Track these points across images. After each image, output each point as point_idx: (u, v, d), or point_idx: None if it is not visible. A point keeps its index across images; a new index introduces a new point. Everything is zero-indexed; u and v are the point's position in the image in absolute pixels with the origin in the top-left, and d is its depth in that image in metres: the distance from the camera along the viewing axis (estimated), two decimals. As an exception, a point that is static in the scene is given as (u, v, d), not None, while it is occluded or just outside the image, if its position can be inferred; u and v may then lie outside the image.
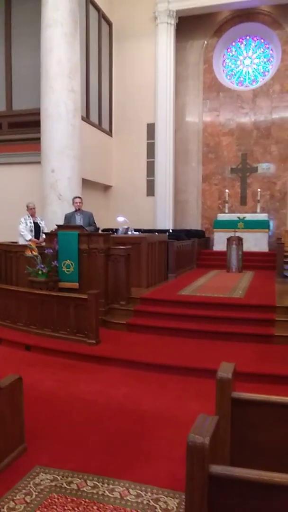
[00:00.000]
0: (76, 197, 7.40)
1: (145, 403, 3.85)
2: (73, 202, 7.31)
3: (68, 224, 6.97)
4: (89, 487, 2.61)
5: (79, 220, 7.09)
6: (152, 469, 2.82)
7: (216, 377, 2.28)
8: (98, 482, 2.66)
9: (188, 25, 12.94)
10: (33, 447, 3.04)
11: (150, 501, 2.48)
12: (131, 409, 3.72)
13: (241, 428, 2.24)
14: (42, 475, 2.73)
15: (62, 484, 2.64)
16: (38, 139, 9.12)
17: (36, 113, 9.30)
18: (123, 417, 3.57)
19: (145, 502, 2.47)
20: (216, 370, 2.31)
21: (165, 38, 12.35)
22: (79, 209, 7.17)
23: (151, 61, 12.50)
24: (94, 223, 7.20)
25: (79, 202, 7.17)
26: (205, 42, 13.35)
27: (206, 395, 3.95)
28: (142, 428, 3.38)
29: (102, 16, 12.07)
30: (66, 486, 2.62)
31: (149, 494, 2.55)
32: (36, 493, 2.54)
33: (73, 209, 7.31)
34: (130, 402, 3.87)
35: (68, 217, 7.26)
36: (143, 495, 2.54)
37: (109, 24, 12.70)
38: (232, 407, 2.22)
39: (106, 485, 2.64)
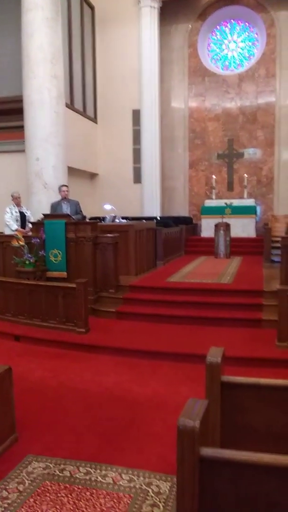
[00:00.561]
0: (62, 185, 7.33)
1: (136, 390, 3.87)
2: (60, 191, 7.23)
3: (54, 213, 6.91)
4: (82, 474, 2.63)
5: (65, 209, 7.02)
6: (144, 454, 2.84)
7: (205, 362, 2.29)
8: (91, 469, 2.68)
9: (172, 9, 12.76)
10: (24, 436, 3.04)
11: (143, 485, 2.51)
12: (122, 396, 3.74)
13: (231, 411, 2.26)
14: (34, 463, 2.74)
15: (54, 471, 2.65)
16: (22, 127, 8.95)
17: (19, 100, 9.10)
18: (114, 404, 3.59)
19: (137, 486, 2.50)
20: (205, 355, 2.32)
21: (149, 21, 12.16)
22: (65, 198, 7.11)
23: (135, 45, 12.31)
24: (81, 211, 7.15)
25: (66, 191, 7.10)
26: (190, 25, 13.18)
27: (196, 380, 3.99)
28: (133, 414, 3.40)
29: (84, 0, 11.81)
30: (59, 473, 2.63)
31: (141, 478, 2.58)
32: (29, 482, 2.54)
33: (59, 198, 7.23)
34: (121, 389, 3.88)
35: (55, 206, 7.19)
36: (135, 479, 2.57)
37: (91, 7, 12.44)
38: (221, 390, 2.24)
39: (98, 471, 2.66)
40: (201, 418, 1.55)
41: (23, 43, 8.64)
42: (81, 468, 2.68)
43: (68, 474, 2.62)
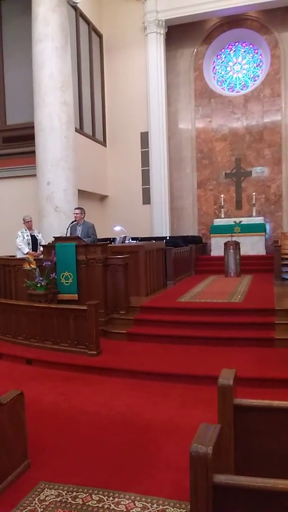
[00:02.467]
0: (75, 209, 7.37)
1: (148, 413, 3.83)
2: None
3: (69, 235, 6.97)
4: (95, 501, 2.59)
5: (79, 231, 7.10)
6: (157, 480, 2.80)
7: (217, 384, 2.28)
8: (104, 496, 2.64)
9: (177, 34, 13.08)
10: (37, 462, 3.02)
11: (157, 512, 2.47)
12: (134, 420, 3.70)
13: (244, 435, 2.23)
14: (47, 490, 2.71)
15: (67, 499, 2.62)
16: (33, 152, 9.17)
17: (30, 126, 9.35)
18: (127, 429, 3.55)
19: (151, 514, 2.46)
20: (217, 376, 2.30)
21: (155, 47, 12.46)
22: (78, 220, 7.14)
23: (142, 70, 12.61)
24: (94, 234, 7.17)
25: (77, 214, 7.15)
26: (195, 49, 13.48)
27: (209, 402, 3.93)
28: (146, 439, 3.36)
29: (92, 29, 12.19)
30: (72, 501, 2.60)
31: (155, 505, 2.53)
32: (41, 510, 2.52)
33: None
34: (133, 413, 3.85)
35: (71, 228, 7.24)
36: (149, 507, 2.52)
37: (99, 36, 12.82)
38: (234, 414, 2.21)
39: (111, 498, 2.62)
40: (214, 444, 1.53)
41: (34, 72, 8.93)
42: (93, 496, 2.65)
43: (81, 502, 2.59)
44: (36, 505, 2.56)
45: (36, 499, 2.63)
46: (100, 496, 2.64)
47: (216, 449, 1.57)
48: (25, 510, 2.52)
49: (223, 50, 13.76)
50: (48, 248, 6.70)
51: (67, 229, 7.22)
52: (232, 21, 13.03)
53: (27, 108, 9.72)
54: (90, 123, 12.03)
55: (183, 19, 12.48)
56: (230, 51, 13.74)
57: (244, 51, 13.62)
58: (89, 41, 12.04)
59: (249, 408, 2.22)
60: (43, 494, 2.67)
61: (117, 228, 9.37)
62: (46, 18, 8.70)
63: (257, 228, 11.82)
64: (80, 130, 10.98)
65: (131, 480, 2.80)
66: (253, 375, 4.38)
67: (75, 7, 10.56)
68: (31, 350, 5.75)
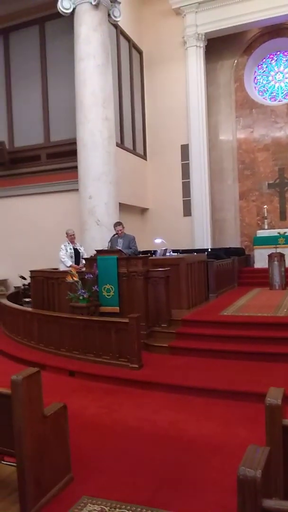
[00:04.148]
0: (116, 225, 7.45)
1: (191, 430, 3.74)
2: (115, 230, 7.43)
3: (111, 247, 7.06)
4: (138, 519, 2.54)
5: (120, 244, 7.17)
6: (202, 499, 2.71)
7: (264, 403, 2.18)
8: (147, 514, 2.58)
9: (217, 46, 13.09)
10: (79, 476, 3.00)
11: (201, 535, 2.38)
12: (177, 436, 3.62)
13: (294, 457, 2.11)
14: (89, 506, 2.69)
15: (110, 515, 2.58)
16: (75, 167, 9.39)
17: (73, 142, 9.62)
18: (170, 445, 3.48)
19: (196, 536, 2.37)
20: (263, 393, 2.21)
21: (195, 61, 12.52)
22: (119, 234, 7.24)
23: (182, 84, 12.69)
24: (135, 246, 7.23)
25: (120, 230, 7.25)
26: (235, 61, 13.42)
27: (254, 421, 3.80)
28: (190, 457, 3.27)
29: (132, 46, 12.44)
30: (114, 517, 2.56)
31: (199, 527, 2.44)
32: (84, 525, 2.49)
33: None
34: (176, 429, 3.77)
35: (112, 240, 7.36)
36: (194, 528, 2.44)
37: (140, 52, 13.05)
38: (283, 435, 2.11)
39: (154, 517, 2.56)
40: (263, 467, 1.46)
41: (76, 90, 9.19)
42: (136, 513, 2.60)
43: (124, 519, 2.54)
44: (79, 520, 2.54)
45: (79, 514, 2.61)
46: (143, 514, 2.59)
47: (265, 473, 1.50)
48: (68, 525, 2.51)
49: (264, 60, 13.62)
50: (90, 261, 6.79)
51: (109, 242, 7.31)
52: (273, 31, 12.90)
53: (69, 124, 10.01)
54: (131, 137, 12.20)
55: (223, 32, 12.49)
56: (271, 60, 13.57)
57: (286, 60, 13.40)
58: (129, 58, 12.28)
59: (299, 429, 2.11)
60: (86, 509, 2.65)
61: (158, 241, 9.36)
62: (88, 37, 8.96)
63: (302, 239, 11.43)
64: (121, 144, 11.16)
65: (174, 498, 2.73)
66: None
67: (115, 25, 10.83)
68: (74, 362, 5.81)
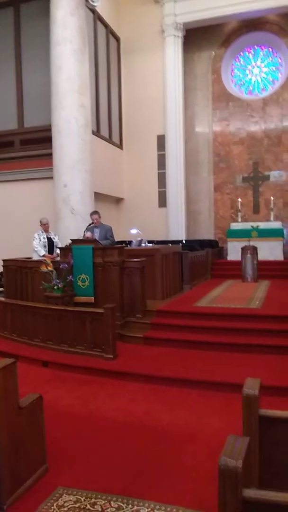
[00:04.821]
0: (92, 214, 7.39)
1: (165, 420, 3.78)
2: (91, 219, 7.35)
3: (81, 238, 6.98)
4: (113, 509, 2.55)
5: (96, 234, 7.10)
6: (177, 488, 2.75)
7: (242, 394, 2.22)
8: (122, 503, 2.60)
9: (195, 37, 13.03)
10: (55, 467, 2.99)
11: (177, 523, 2.41)
12: (152, 426, 3.65)
13: (269, 447, 2.17)
14: (65, 496, 2.68)
15: (85, 505, 2.58)
16: (50, 154, 9.21)
17: (48, 129, 9.41)
18: (144, 435, 3.50)
19: (171, 524, 2.41)
20: (236, 384, 2.26)
21: (173, 50, 12.44)
22: (96, 223, 7.16)
23: (159, 73, 12.59)
24: (112, 236, 7.17)
25: (96, 219, 7.17)
26: (213, 53, 13.42)
27: (226, 410, 3.88)
28: (164, 446, 3.31)
29: (110, 32, 12.23)
30: (90, 508, 2.56)
31: (175, 515, 2.48)
32: (60, 516, 2.49)
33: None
34: (151, 419, 3.80)
35: (88, 230, 7.26)
36: (169, 517, 2.47)
37: (117, 39, 12.85)
38: (259, 425, 2.15)
39: (130, 506, 2.57)
40: (243, 458, 1.48)
41: (52, 75, 8.97)
42: (112, 503, 2.61)
43: (100, 509, 2.55)
44: (54, 511, 2.53)
45: (55, 504, 2.60)
46: (119, 503, 2.60)
47: (245, 463, 1.52)
48: (44, 516, 2.49)
49: (241, 53, 13.67)
50: (65, 250, 6.71)
51: (84, 231, 7.23)
52: (251, 24, 12.94)
53: (44, 110, 9.78)
54: (107, 126, 12.05)
55: (201, 22, 12.43)
56: (249, 54, 13.64)
57: (263, 55, 13.51)
58: (106, 44, 12.08)
59: (274, 419, 2.16)
60: (61, 500, 2.64)
61: (134, 231, 9.33)
62: (64, 21, 8.74)
63: (274, 233, 11.67)
64: (96, 132, 11.01)
65: (150, 488, 2.76)
66: (272, 384, 4.28)
67: (93, 10, 10.61)
68: (48, 353, 5.75)
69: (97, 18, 11.31)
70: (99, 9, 10.81)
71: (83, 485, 2.80)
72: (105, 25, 11.95)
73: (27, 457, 2.74)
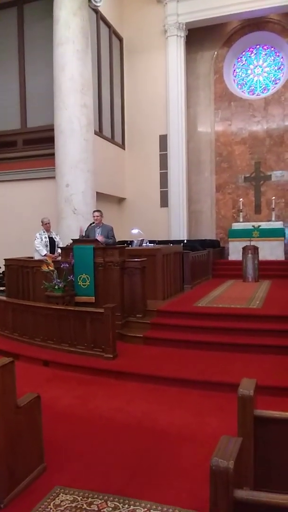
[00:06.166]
0: (94, 211, 7.37)
1: (164, 419, 3.79)
2: (92, 216, 7.33)
3: (87, 237, 6.99)
4: (110, 508, 2.56)
5: (97, 233, 7.10)
6: (173, 488, 2.76)
7: (237, 394, 2.23)
8: (119, 503, 2.61)
9: (197, 37, 13.02)
10: (52, 466, 3.01)
11: (173, 523, 2.43)
12: (150, 426, 3.66)
13: (264, 447, 2.17)
14: (62, 495, 2.70)
15: (82, 505, 2.60)
16: (53, 154, 9.23)
17: (50, 129, 9.43)
18: (143, 435, 3.51)
19: (167, 524, 2.42)
20: (235, 384, 2.26)
21: (175, 50, 12.43)
22: (97, 223, 7.16)
23: (162, 73, 12.59)
24: (113, 236, 7.16)
25: (97, 216, 7.14)
26: (215, 52, 13.40)
27: (226, 410, 3.89)
28: (162, 446, 3.32)
29: (112, 32, 12.23)
30: (87, 507, 2.58)
31: (171, 515, 2.49)
32: (57, 515, 2.50)
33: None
34: (149, 419, 3.81)
35: (89, 229, 7.24)
36: (165, 516, 2.48)
37: (120, 39, 12.86)
38: (254, 425, 2.16)
39: (127, 505, 2.59)
40: (235, 458, 1.49)
41: (55, 75, 8.99)
42: (109, 502, 2.62)
43: (96, 509, 2.56)
44: (51, 510, 2.55)
45: (52, 503, 2.61)
46: (116, 503, 2.61)
47: (237, 463, 1.53)
48: (41, 515, 2.51)
49: (243, 53, 13.64)
50: (66, 250, 6.72)
51: (85, 231, 7.24)
52: (253, 23, 12.92)
53: (47, 110, 9.80)
54: (109, 125, 12.06)
55: (204, 22, 12.42)
56: (251, 54, 13.62)
57: (265, 54, 13.48)
58: (109, 44, 12.09)
59: (270, 420, 2.17)
60: (58, 499, 2.66)
61: (135, 231, 9.33)
62: (67, 22, 8.76)
63: (276, 233, 11.65)
64: (99, 132, 11.02)
65: (147, 487, 2.77)
66: (271, 384, 4.29)
67: (96, 11, 10.62)
68: (48, 352, 5.77)
69: (100, 18, 11.32)
70: (102, 9, 10.82)
71: (80, 484, 2.82)
72: (108, 25, 11.96)
73: (24, 456, 2.76)
